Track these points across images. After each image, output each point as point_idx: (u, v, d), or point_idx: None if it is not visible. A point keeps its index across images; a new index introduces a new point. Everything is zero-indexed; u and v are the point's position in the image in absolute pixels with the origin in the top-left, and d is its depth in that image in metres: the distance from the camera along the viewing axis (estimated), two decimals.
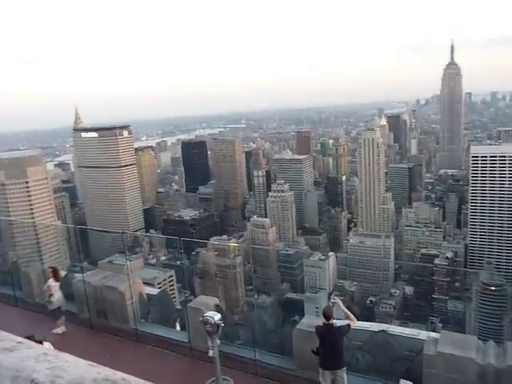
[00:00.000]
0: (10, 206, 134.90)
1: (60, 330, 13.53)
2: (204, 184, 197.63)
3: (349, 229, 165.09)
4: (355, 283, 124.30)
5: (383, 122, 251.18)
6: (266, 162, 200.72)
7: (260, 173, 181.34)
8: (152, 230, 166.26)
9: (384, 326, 11.68)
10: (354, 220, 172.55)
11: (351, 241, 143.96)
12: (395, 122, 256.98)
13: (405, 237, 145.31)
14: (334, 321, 8.83)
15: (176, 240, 17.09)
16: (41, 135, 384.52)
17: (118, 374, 1.64)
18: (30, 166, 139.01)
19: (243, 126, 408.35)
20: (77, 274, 16.14)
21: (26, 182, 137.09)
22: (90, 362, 1.72)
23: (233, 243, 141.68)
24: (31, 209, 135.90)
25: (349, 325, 8.85)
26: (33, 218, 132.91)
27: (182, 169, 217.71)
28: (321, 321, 8.96)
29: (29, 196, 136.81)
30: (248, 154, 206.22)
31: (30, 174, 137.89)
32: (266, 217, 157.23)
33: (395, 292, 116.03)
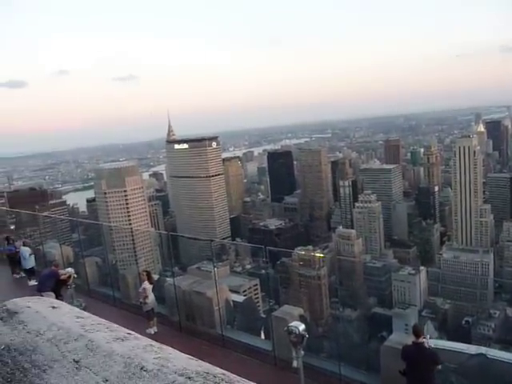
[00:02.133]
0: (110, 212, 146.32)
1: (152, 330, 14.32)
2: (289, 194, 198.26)
3: (442, 242, 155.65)
4: (449, 301, 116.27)
5: (481, 128, 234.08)
6: (353, 172, 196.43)
7: (346, 183, 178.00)
8: (238, 239, 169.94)
9: (483, 349, 10.79)
10: (448, 233, 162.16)
11: (444, 255, 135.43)
12: (495, 127, 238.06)
13: (506, 253, 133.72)
14: (425, 340, 8.33)
15: (261, 249, 17.28)
16: (138, 147, 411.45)
17: (218, 369, 1.72)
18: (127, 175, 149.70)
19: (329, 135, 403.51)
20: (168, 279, 16.98)
21: (125, 191, 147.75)
22: (190, 356, 1.84)
23: (318, 254, 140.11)
24: (128, 215, 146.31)
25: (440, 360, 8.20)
26: (130, 224, 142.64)
27: (268, 178, 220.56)
28: (410, 339, 8.51)
29: (126, 204, 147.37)
30: (334, 164, 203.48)
31: (128, 183, 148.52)
32: (352, 228, 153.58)
33: (495, 313, 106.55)
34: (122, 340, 1.86)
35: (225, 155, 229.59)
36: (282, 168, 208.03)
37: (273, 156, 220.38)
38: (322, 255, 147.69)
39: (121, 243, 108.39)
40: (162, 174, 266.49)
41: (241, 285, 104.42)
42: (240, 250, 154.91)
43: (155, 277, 16.59)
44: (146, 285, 14.49)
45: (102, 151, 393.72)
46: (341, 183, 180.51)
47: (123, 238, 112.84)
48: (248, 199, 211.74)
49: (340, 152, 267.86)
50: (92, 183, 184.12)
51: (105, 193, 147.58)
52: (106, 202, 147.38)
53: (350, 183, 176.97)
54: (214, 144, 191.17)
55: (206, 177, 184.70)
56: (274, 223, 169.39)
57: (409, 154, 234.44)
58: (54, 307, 2.12)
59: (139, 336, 1.97)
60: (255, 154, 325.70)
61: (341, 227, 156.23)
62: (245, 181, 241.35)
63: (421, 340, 8.29)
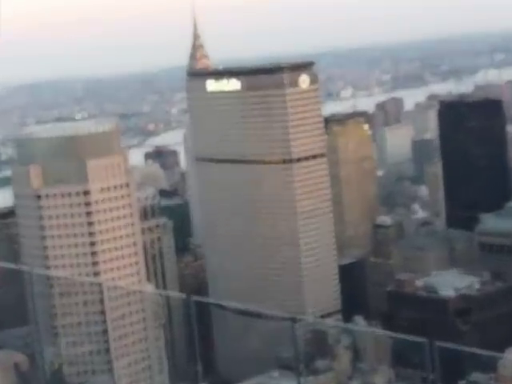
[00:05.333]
0: (50, 243, 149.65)
1: None
2: (494, 208, 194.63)
3: None
4: None
5: None
6: None
7: None
8: (359, 317, 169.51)
9: None
10: None
11: None
12: None
13: None
14: None
15: (419, 345, 17.15)
16: (119, 87, 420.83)
17: None
18: (93, 155, 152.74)
19: None
20: None
21: (86, 193, 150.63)
22: None
23: None
24: (93, 252, 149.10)
25: None
26: (95, 272, 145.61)
27: (441, 169, 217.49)
28: None
29: (89, 224, 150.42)
30: None
31: (94, 174, 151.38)
32: None
33: None
34: None
35: (329, 108, 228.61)
36: (472, 143, 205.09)
37: (452, 110, 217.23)
38: None
39: (73, 320, 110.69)
40: (175, 152, 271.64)
41: None
42: (362, 346, 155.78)
43: None
44: None
45: (34, 96, 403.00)
46: None
47: (80, 305, 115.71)
48: (386, 221, 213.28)
49: None
50: (8, 172, 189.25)
51: (38, 196, 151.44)
52: (41, 216, 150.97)
53: None
54: (303, 80, 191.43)
55: (283, 162, 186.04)
56: (452, 283, 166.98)
57: None
58: None
59: None
60: (407, 105, 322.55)
61: None
62: (380, 174, 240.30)
63: None
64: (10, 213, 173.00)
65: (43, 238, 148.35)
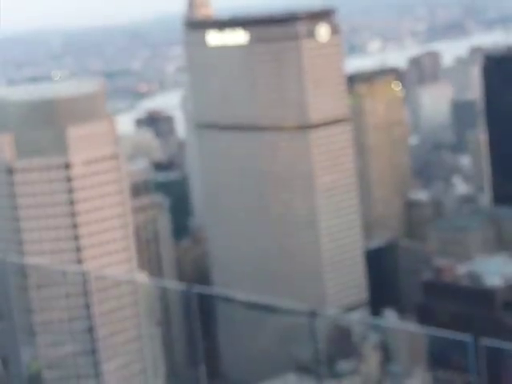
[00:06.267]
0: (25, 225, 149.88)
1: None
2: None
3: None
4: None
5: None
6: None
7: None
8: (389, 311, 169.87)
9: None
10: None
11: None
12: None
13: None
14: None
15: (461, 344, 17.46)
16: (103, 39, 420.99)
17: None
18: (74, 121, 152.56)
19: None
20: None
21: (66, 167, 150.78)
22: None
23: None
24: (76, 236, 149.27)
25: None
26: (79, 261, 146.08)
27: (484, 136, 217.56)
28: None
29: (71, 202, 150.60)
30: None
31: (76, 144, 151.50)
32: None
33: None
34: None
35: (354, 64, 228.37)
36: None
37: (500, 66, 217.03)
38: None
39: (55, 315, 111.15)
40: (170, 118, 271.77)
41: None
42: (395, 344, 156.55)
43: None
44: None
45: (4, 51, 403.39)
46: None
47: (61, 299, 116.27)
48: (422, 196, 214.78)
49: None
50: None
51: (10, 170, 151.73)
52: (14, 194, 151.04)
53: None
54: (322, 31, 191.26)
55: (300, 128, 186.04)
56: (499, 269, 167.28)
57: None
58: None
59: None
60: (446, 60, 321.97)
61: None
62: (413, 141, 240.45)
63: None
64: None
65: (17, 219, 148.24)
